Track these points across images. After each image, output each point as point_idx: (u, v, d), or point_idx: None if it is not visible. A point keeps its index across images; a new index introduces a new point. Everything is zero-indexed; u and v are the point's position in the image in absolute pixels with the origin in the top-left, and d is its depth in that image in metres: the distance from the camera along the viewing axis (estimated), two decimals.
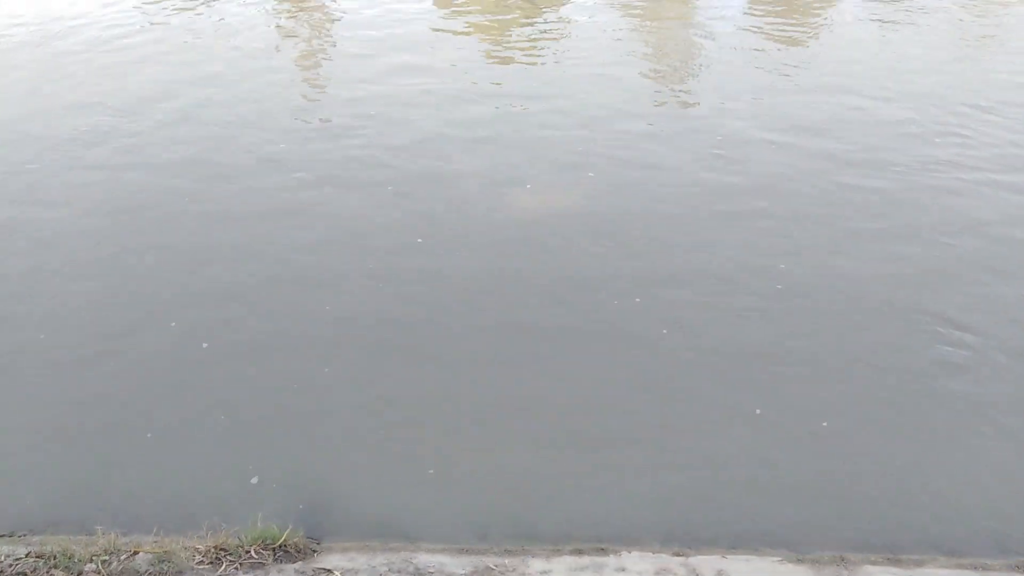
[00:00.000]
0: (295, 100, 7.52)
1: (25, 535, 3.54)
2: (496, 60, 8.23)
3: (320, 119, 7.16)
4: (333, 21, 9.61)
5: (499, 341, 4.50)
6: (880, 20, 8.93)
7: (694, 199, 5.74)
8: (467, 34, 8.91)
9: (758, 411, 4.00)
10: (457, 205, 5.75)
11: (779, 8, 9.36)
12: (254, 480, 3.84)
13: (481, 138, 6.61)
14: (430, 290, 4.92)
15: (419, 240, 5.37)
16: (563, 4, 10.01)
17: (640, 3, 9.89)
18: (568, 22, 9.30)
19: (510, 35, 8.86)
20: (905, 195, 5.70)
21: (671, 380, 4.21)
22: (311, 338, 4.59)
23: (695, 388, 4.15)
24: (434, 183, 6.03)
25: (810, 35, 8.59)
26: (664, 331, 4.51)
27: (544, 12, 9.64)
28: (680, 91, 7.47)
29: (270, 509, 3.55)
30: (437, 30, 9.06)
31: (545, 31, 9.04)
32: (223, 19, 9.62)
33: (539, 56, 8.31)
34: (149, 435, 4.00)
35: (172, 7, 10.06)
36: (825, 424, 3.90)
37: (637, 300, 4.76)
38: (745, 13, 9.39)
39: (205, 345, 4.54)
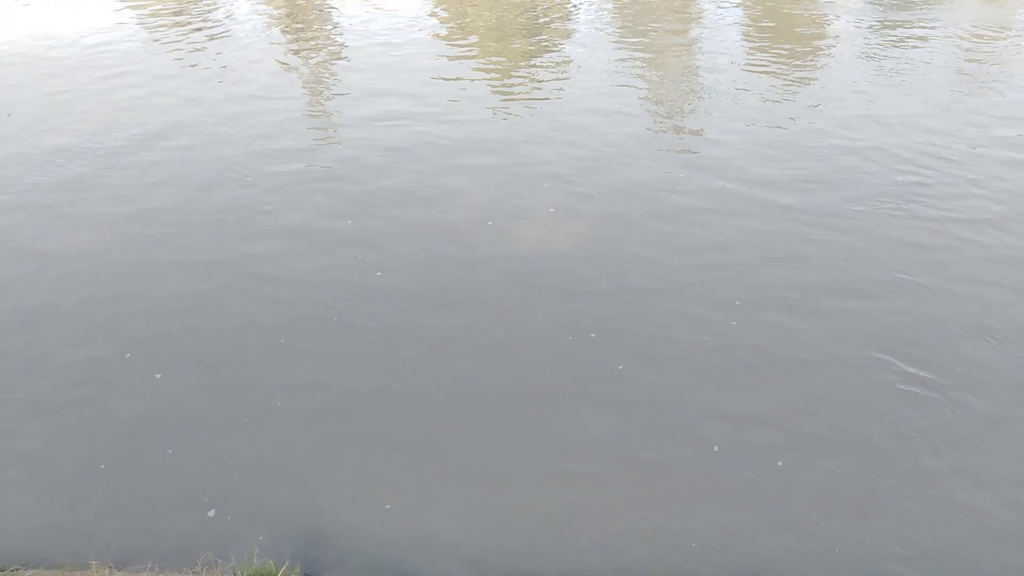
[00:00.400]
0: (297, 138, 7.58)
1: (18, 569, 3.59)
2: (497, 98, 8.28)
3: (323, 145, 7.31)
4: (336, 59, 9.74)
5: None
6: (876, 58, 8.96)
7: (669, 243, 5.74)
8: (468, 72, 8.99)
9: (716, 448, 3.99)
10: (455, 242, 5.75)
11: (777, 49, 9.37)
12: (211, 513, 3.86)
13: (478, 177, 6.60)
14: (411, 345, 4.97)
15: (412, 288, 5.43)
16: (565, 39, 10.19)
17: (638, 39, 10.01)
18: (568, 60, 9.42)
19: (510, 73, 8.96)
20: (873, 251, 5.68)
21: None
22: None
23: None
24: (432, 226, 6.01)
25: (809, 77, 8.49)
26: (619, 366, 4.51)
27: (546, 50, 9.81)
28: (675, 134, 7.36)
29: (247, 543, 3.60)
30: (439, 68, 9.15)
31: (545, 68, 9.13)
32: (222, 56, 9.81)
33: (538, 94, 8.34)
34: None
35: (171, 40, 10.30)
36: (779, 463, 3.89)
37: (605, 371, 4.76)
38: (741, 48, 9.42)
39: (157, 375, 4.60)
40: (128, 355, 4.70)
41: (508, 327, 4.87)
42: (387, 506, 3.81)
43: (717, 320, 4.79)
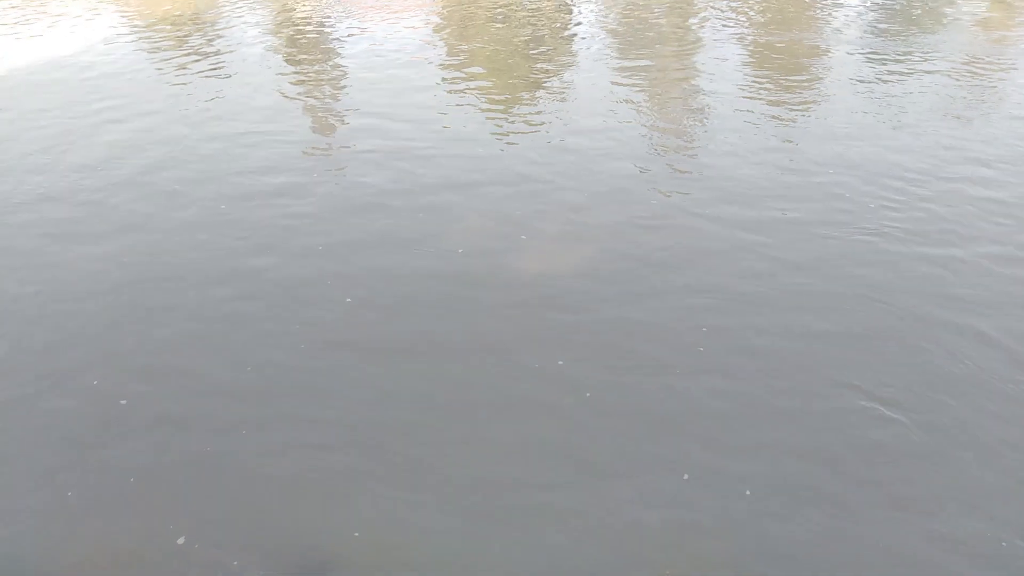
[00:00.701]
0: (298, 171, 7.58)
1: None
2: (500, 130, 8.30)
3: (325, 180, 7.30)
4: (339, 89, 9.78)
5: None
6: (870, 90, 9.09)
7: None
8: (471, 103, 9.06)
9: (685, 476, 4.04)
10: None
11: (774, 78, 9.49)
12: (180, 541, 3.85)
13: (482, 209, 6.62)
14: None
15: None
16: (567, 69, 10.29)
17: (640, 63, 10.24)
18: (571, 86, 9.50)
19: (514, 105, 9.00)
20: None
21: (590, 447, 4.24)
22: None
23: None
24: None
25: (805, 109, 8.52)
26: (587, 394, 4.57)
27: (549, 78, 9.89)
28: (667, 166, 7.37)
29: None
30: (440, 99, 9.23)
31: (548, 97, 9.20)
32: (217, 88, 9.83)
33: (542, 124, 8.38)
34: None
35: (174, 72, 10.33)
36: (748, 492, 3.94)
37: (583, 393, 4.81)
38: (742, 77, 9.53)
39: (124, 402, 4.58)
40: (95, 382, 4.69)
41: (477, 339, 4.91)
42: (356, 534, 3.82)
43: (686, 346, 4.85)
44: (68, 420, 4.48)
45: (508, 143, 7.92)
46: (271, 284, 5.67)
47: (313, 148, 7.96)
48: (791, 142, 7.63)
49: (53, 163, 7.73)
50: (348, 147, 7.95)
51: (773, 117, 8.24)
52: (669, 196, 6.67)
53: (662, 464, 4.08)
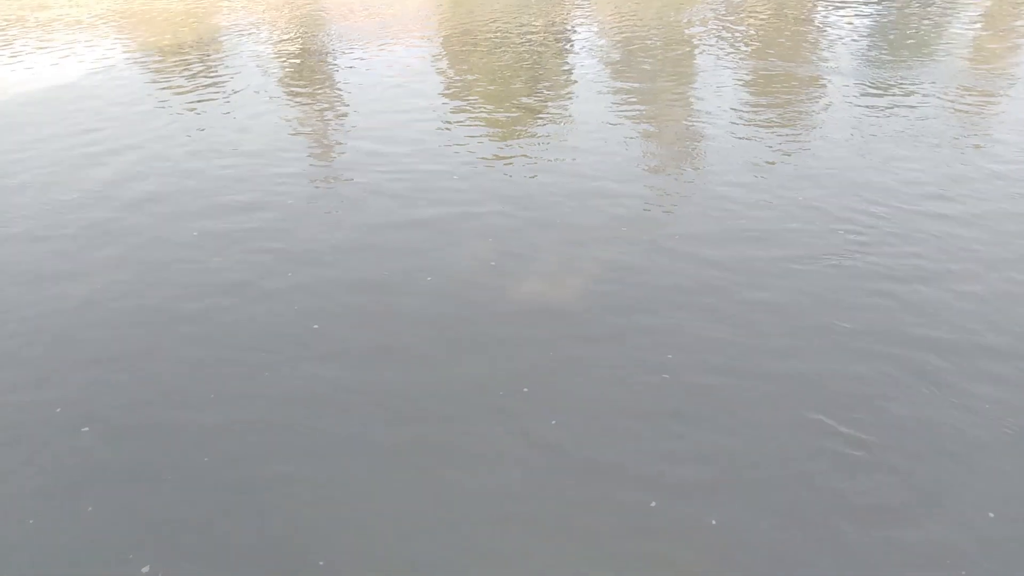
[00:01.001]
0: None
1: None
2: (500, 159, 8.29)
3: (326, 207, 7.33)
4: (342, 119, 9.87)
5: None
6: (865, 124, 9.12)
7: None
8: (470, 137, 9.08)
9: (653, 503, 3.97)
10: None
11: (770, 108, 9.51)
12: (145, 570, 3.79)
13: (481, 238, 6.59)
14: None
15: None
16: (562, 95, 10.41)
17: (638, 90, 10.35)
18: (566, 113, 9.58)
19: (514, 134, 9.03)
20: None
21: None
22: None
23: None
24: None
25: (799, 142, 8.46)
26: (553, 421, 4.51)
27: (545, 105, 10.00)
28: (665, 199, 7.29)
29: None
30: (440, 129, 9.28)
31: (547, 126, 9.26)
32: (213, 117, 9.95)
33: (535, 153, 8.40)
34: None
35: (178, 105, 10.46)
36: (714, 522, 3.87)
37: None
38: (738, 106, 9.56)
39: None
40: (58, 409, 4.67)
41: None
42: (320, 562, 3.76)
43: (648, 381, 4.78)
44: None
45: (491, 167, 7.97)
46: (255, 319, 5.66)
47: (312, 177, 7.98)
48: (784, 174, 7.63)
49: (34, 198, 7.75)
50: (342, 176, 7.96)
51: (773, 149, 8.21)
52: (656, 229, 6.65)
53: (624, 501, 4.02)
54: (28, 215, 7.35)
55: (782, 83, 10.47)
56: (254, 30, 15.52)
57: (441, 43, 14.09)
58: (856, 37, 13.05)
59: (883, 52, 12.02)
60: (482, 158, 8.27)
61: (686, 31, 14.07)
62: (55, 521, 4.00)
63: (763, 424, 4.41)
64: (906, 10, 15.07)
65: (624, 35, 13.82)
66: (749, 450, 4.24)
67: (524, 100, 10.25)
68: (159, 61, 13.23)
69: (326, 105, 10.36)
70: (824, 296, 5.53)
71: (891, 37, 13.04)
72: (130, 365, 5.11)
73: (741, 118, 9.12)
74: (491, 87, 10.95)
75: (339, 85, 11.33)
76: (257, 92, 11.12)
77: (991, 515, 3.82)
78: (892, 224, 6.45)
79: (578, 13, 16.43)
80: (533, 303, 5.58)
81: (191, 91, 11.26)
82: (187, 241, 6.69)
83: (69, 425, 4.58)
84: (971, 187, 7.10)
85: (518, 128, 9.24)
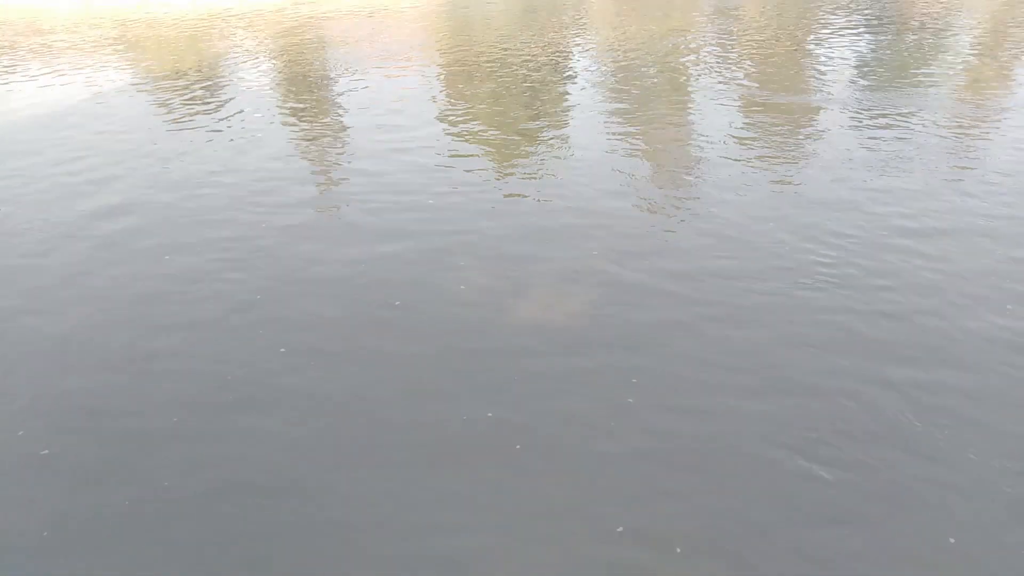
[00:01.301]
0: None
1: None
2: (499, 186, 8.29)
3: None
4: (342, 144, 9.92)
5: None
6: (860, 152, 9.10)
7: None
8: (468, 161, 9.09)
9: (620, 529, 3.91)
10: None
11: (768, 137, 9.51)
12: None
13: (483, 266, 6.54)
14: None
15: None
16: (562, 121, 10.47)
17: (634, 113, 10.39)
18: (566, 143, 9.60)
19: (513, 162, 9.04)
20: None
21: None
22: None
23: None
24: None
25: (794, 172, 8.36)
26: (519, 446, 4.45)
27: (545, 130, 10.07)
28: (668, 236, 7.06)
29: None
30: (440, 156, 9.28)
31: (542, 152, 9.29)
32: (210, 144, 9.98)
33: (534, 180, 8.38)
34: None
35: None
36: (678, 551, 3.80)
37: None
38: (733, 140, 9.46)
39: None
40: (20, 432, 4.64)
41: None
42: None
43: (614, 415, 4.71)
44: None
45: (483, 193, 7.98)
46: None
47: (308, 203, 8.00)
48: (789, 205, 7.60)
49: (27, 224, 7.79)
50: (340, 202, 7.98)
51: (773, 181, 8.13)
52: (639, 261, 6.55)
53: (592, 520, 3.96)
54: (17, 243, 7.37)
55: (778, 112, 10.47)
56: (252, 57, 15.69)
57: (440, 68, 14.21)
58: (852, 64, 13.09)
59: (877, 79, 12.03)
60: (479, 183, 8.28)
61: (682, 58, 14.15)
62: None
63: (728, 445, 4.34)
64: (902, 38, 15.13)
65: (620, 63, 13.90)
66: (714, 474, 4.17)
67: (522, 125, 10.28)
68: (157, 86, 13.37)
69: (325, 130, 10.43)
70: (801, 333, 5.46)
71: (885, 65, 13.07)
72: (106, 402, 5.04)
73: (734, 148, 9.02)
74: (489, 111, 11.01)
75: (338, 109, 11.41)
76: (257, 114, 11.22)
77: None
78: (869, 260, 6.37)
79: (576, 39, 16.57)
80: (522, 328, 5.55)
81: (185, 117, 11.35)
82: (170, 273, 6.66)
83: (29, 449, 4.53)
84: (961, 220, 7.05)
85: (515, 152, 9.27)
